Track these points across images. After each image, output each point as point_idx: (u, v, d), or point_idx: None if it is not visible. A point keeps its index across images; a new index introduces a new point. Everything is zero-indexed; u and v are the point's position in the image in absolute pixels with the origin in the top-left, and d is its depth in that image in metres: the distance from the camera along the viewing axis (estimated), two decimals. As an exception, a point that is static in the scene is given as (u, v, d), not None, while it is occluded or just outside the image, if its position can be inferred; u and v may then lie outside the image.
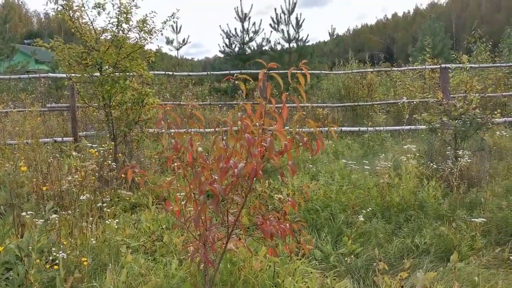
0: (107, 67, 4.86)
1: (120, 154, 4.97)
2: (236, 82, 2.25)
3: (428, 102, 8.38)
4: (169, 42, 18.67)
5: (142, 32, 5.09)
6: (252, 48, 14.41)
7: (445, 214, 3.74)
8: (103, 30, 4.84)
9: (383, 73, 11.30)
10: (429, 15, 21.14)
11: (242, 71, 9.83)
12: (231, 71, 8.63)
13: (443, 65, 7.36)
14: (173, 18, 5.09)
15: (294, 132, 2.00)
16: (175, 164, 2.43)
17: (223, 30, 14.32)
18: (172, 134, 2.44)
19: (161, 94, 12.16)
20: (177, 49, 18.84)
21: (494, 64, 8.13)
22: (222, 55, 15.44)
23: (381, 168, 4.26)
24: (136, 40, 5.07)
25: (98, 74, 4.96)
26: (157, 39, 5.13)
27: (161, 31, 5.09)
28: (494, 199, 4.00)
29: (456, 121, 5.18)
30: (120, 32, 4.84)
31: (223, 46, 14.46)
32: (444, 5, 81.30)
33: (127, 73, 5.00)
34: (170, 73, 7.90)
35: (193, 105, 3.21)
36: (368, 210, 3.78)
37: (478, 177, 4.73)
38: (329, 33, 17.52)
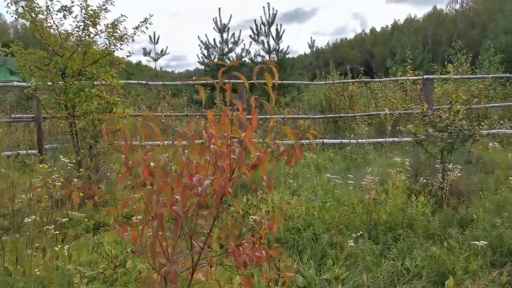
0: (71, 73, 4.48)
1: (83, 169, 4.57)
2: (196, 86, 1.91)
3: (411, 113, 8.23)
4: (146, 53, 18.25)
5: (112, 38, 4.75)
6: (231, 59, 14.15)
7: (436, 233, 3.47)
8: (68, 35, 4.48)
9: (363, 85, 11.18)
10: (407, 29, 21.36)
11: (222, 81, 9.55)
12: (207, 82, 8.35)
13: (425, 76, 7.21)
14: (146, 23, 4.76)
15: (270, 141, 1.69)
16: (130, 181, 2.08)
17: (201, 41, 14.05)
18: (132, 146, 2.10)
19: (136, 105, 11.78)
20: (155, 60, 18.43)
21: (477, 76, 8.04)
22: (202, 67, 15.15)
23: (367, 183, 3.98)
24: (106, 46, 4.73)
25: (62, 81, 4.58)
26: (127, 45, 4.80)
27: (132, 37, 4.77)
28: (486, 216, 3.75)
29: (442, 133, 4.98)
30: (86, 36, 4.48)
31: (202, 57, 14.17)
32: (421, 20, 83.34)
33: (94, 81, 4.63)
34: (144, 82, 7.52)
35: (148, 116, 2.84)
36: (353, 230, 3.49)
37: (466, 191, 4.50)
38: (308, 44, 17.47)
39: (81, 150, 4.69)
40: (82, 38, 4.43)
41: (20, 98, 13.01)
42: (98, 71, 4.47)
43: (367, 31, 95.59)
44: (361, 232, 3.49)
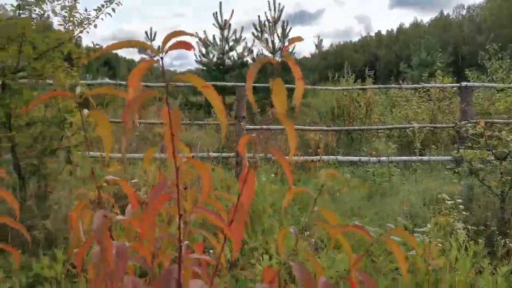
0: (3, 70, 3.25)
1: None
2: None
3: (444, 128, 7.02)
4: (141, 50, 17.09)
5: (69, 23, 3.55)
6: (232, 58, 12.93)
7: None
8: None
9: (379, 91, 9.95)
10: (423, 30, 20.19)
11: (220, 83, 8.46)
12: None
13: (463, 84, 5.99)
14: (112, 2, 3.55)
15: None
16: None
17: (199, 38, 12.81)
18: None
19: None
20: (151, 58, 17.23)
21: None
22: (199, 66, 13.92)
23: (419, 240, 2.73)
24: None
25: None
26: (88, 32, 3.60)
27: (94, 20, 3.56)
28: None
29: (503, 160, 3.77)
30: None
31: (199, 56, 12.93)
32: (427, 25, 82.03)
33: (40, 80, 3.43)
34: (121, 82, 6.25)
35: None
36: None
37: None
38: (315, 45, 16.20)
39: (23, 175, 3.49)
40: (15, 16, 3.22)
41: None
42: (42, 67, 3.25)
43: (372, 34, 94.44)
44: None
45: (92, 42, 3.82)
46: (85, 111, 0.69)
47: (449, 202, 3.29)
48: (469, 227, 2.81)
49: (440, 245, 2.48)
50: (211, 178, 0.66)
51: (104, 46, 4.56)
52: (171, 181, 0.63)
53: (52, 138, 3.57)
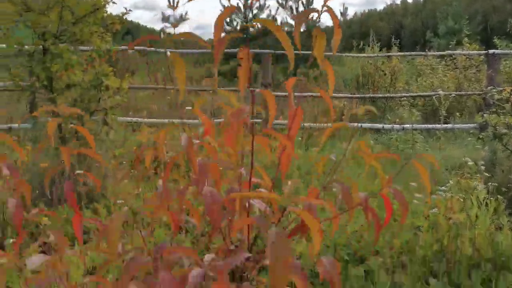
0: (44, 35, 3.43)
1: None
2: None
3: (466, 97, 6.98)
4: (165, 18, 17.14)
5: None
6: (256, 26, 12.87)
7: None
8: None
9: (404, 60, 9.82)
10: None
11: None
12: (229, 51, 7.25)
13: (490, 51, 5.91)
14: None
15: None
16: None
17: (223, 5, 12.77)
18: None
19: (152, 75, 10.87)
20: (175, 27, 17.33)
21: None
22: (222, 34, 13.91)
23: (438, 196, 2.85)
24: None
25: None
26: (121, -2, 3.72)
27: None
28: None
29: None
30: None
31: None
32: (456, -8, 78.63)
33: (79, 45, 3.60)
34: (150, 49, 6.42)
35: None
36: (419, 265, 2.44)
37: None
38: (340, 12, 15.87)
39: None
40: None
41: None
42: (81, 32, 3.41)
43: (398, 2, 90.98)
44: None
45: (125, 8, 3.94)
46: (168, 52, 0.83)
47: (470, 164, 3.36)
48: (490, 184, 2.91)
49: (462, 200, 2.60)
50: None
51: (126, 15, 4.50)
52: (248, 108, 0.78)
53: (90, 100, 3.77)
